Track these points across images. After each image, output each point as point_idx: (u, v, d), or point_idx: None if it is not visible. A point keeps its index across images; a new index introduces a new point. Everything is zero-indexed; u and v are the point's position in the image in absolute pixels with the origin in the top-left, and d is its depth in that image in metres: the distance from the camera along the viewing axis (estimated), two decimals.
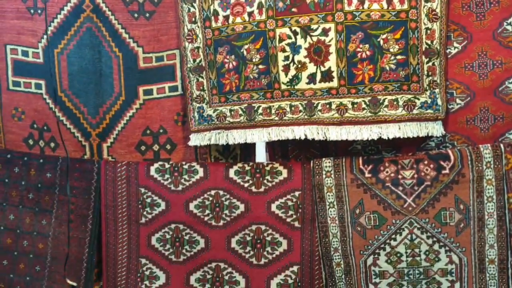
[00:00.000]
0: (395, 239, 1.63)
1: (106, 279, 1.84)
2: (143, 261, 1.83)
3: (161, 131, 1.85)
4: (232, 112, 1.73)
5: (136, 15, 1.76)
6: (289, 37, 1.63)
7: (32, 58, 1.86)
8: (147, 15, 1.76)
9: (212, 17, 1.70)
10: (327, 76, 1.63)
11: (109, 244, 1.84)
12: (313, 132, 1.65)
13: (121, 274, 1.84)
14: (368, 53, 1.58)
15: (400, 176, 1.61)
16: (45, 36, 1.82)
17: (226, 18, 1.68)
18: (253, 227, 1.76)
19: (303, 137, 1.66)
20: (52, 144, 1.92)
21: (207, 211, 1.77)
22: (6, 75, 1.90)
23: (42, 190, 1.86)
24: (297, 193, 1.72)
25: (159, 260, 1.82)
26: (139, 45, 1.79)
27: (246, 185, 1.75)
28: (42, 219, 1.86)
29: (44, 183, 1.86)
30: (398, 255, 1.63)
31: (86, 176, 1.84)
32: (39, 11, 1.81)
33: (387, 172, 1.63)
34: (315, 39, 1.61)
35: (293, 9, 1.61)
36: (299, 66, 1.64)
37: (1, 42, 1.87)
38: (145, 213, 1.81)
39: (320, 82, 1.64)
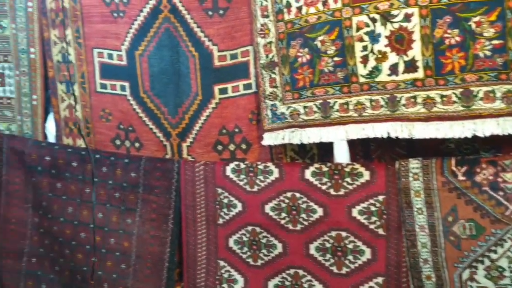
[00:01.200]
0: (495, 252, 1.64)
1: (187, 280, 2.17)
2: (222, 263, 2.11)
3: (236, 130, 2.10)
4: (306, 109, 1.91)
5: (210, 12, 2.04)
6: (367, 25, 1.74)
7: (117, 60, 2.26)
8: (221, 12, 2.03)
9: (285, 9, 1.89)
10: (411, 66, 1.69)
11: (189, 245, 2.16)
12: (397, 130, 1.71)
13: (200, 276, 2.15)
14: (457, 39, 1.61)
15: (500, 179, 1.61)
16: (127, 39, 2.20)
17: (299, 9, 1.86)
18: (333, 233, 1.91)
19: (385, 135, 1.73)
20: (137, 144, 2.31)
21: (284, 214, 1.98)
22: (94, 78, 2.34)
23: (127, 189, 2.26)
24: (380, 198, 1.82)
25: (237, 263, 2.08)
26: (214, 43, 2.06)
27: (324, 187, 1.91)
28: (127, 217, 2.26)
29: (129, 182, 2.25)
30: (500, 269, 1.64)
31: (167, 175, 2.18)
32: (121, 14, 2.19)
33: (484, 174, 1.63)
34: (396, 26, 1.69)
35: None
36: (379, 56, 1.74)
37: (89, 46, 2.31)
38: (222, 214, 2.09)
39: (403, 73, 1.70)
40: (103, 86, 2.30)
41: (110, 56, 2.25)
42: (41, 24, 2.36)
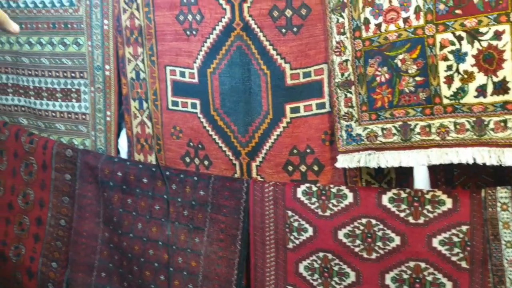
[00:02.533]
0: None
1: None
2: None
3: (308, 150, 2.13)
4: (385, 131, 1.90)
5: (283, 30, 2.09)
6: (452, 44, 1.71)
7: (188, 78, 2.36)
8: (295, 29, 2.07)
9: (363, 26, 1.90)
10: (501, 87, 1.64)
11: (257, 268, 2.21)
12: (484, 156, 1.67)
13: None
14: None
15: None
16: (199, 57, 2.30)
17: (378, 26, 1.86)
18: (411, 264, 1.88)
19: (471, 161, 1.69)
20: (206, 162, 2.39)
21: (358, 241, 1.97)
22: (166, 95, 2.45)
23: (195, 208, 2.34)
24: (464, 228, 1.78)
25: None
26: (286, 61, 2.10)
27: (402, 214, 1.88)
28: (195, 236, 2.34)
29: (198, 201, 2.33)
30: None
31: (236, 195, 2.23)
32: (194, 32, 2.29)
33: None
34: (485, 44, 1.66)
35: (457, 11, 1.68)
36: (465, 76, 1.71)
37: (162, 64, 2.43)
38: (292, 237, 2.11)
39: (492, 95, 1.66)
40: (175, 104, 2.41)
41: (182, 74, 2.35)
42: (116, 42, 2.51)
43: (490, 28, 1.64)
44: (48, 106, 2.76)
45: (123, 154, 2.64)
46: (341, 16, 1.93)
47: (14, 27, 1.27)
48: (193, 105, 2.35)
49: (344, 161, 1.98)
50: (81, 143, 2.72)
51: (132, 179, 2.48)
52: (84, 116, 2.68)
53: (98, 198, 2.61)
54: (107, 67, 2.55)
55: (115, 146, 2.64)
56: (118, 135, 2.64)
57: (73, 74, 2.66)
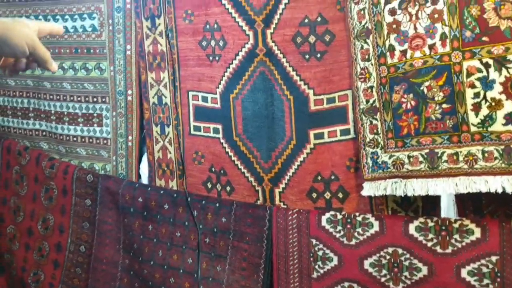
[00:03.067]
0: None
1: None
2: None
3: (332, 177, 2.18)
4: (411, 159, 1.94)
5: (307, 56, 2.16)
6: (480, 71, 1.76)
7: (211, 103, 2.44)
8: (318, 55, 2.13)
9: (388, 53, 1.96)
10: None
11: None
12: None
13: None
14: None
15: None
16: (222, 82, 2.38)
17: (404, 53, 1.92)
18: None
19: (500, 190, 1.71)
20: (228, 188, 2.45)
21: (384, 271, 2.00)
22: (188, 120, 2.53)
23: (217, 235, 2.39)
24: (493, 258, 1.79)
25: None
26: (310, 87, 2.17)
27: (429, 244, 1.90)
28: (217, 264, 2.38)
29: (219, 228, 2.38)
30: None
31: (259, 222, 2.28)
32: (217, 58, 2.37)
33: None
34: None
35: (484, 38, 1.73)
36: (493, 104, 1.74)
37: (184, 89, 2.51)
38: (316, 267, 2.15)
39: None
40: (197, 129, 2.48)
41: (205, 99, 2.43)
42: (139, 67, 2.61)
43: None
44: (70, 131, 2.86)
45: (144, 180, 2.71)
46: (366, 42, 1.99)
47: (54, 65, 1.36)
48: (215, 130, 2.42)
49: (370, 189, 2.02)
50: (102, 168, 2.81)
51: (153, 205, 2.54)
52: (105, 141, 2.77)
53: (119, 224, 2.67)
54: (129, 92, 2.64)
55: (136, 171, 2.72)
56: (139, 160, 2.72)
57: (95, 99, 2.76)
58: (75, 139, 2.87)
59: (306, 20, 2.11)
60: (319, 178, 2.19)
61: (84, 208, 2.78)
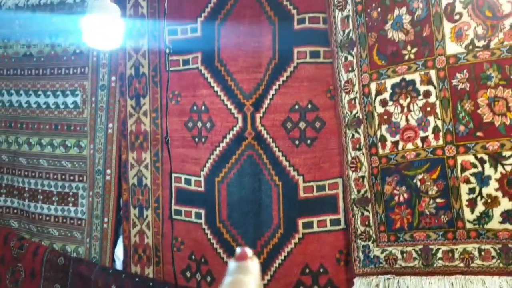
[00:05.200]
0: None
1: None
2: None
3: (321, 270, 2.09)
4: (404, 255, 1.88)
5: (297, 142, 2.13)
6: (475, 166, 1.75)
7: (194, 186, 2.37)
8: (309, 141, 2.11)
9: (379, 143, 1.95)
10: None
11: None
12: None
13: None
14: None
15: None
16: (207, 165, 2.32)
17: (395, 144, 1.91)
18: None
19: None
20: (209, 278, 2.33)
21: None
22: (168, 204, 2.45)
23: None
24: None
25: None
26: (299, 173, 2.13)
27: None
28: None
29: None
30: None
31: None
32: (203, 140, 2.34)
33: None
34: (508, 168, 1.69)
35: (478, 133, 1.74)
36: (489, 201, 1.72)
37: (166, 170, 2.45)
38: None
39: None
40: (178, 213, 2.40)
41: (188, 182, 2.36)
42: (120, 146, 2.56)
43: None
44: (43, 210, 2.75)
45: (119, 265, 2.58)
46: (357, 131, 1.98)
47: None
48: (198, 215, 2.34)
49: (361, 285, 1.95)
50: (75, 251, 2.67)
51: None
52: (80, 222, 2.66)
53: None
54: (108, 171, 2.57)
55: (110, 256, 2.59)
56: (114, 244, 2.60)
57: (72, 177, 2.67)
58: (48, 218, 2.75)
59: (297, 106, 2.11)
60: (307, 270, 2.11)
61: None
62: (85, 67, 2.62)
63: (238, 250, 0.74)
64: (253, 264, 0.74)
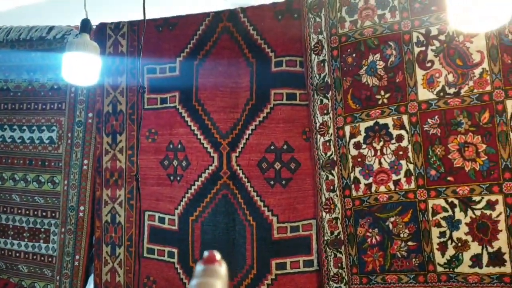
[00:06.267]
0: None
1: None
2: None
3: None
4: None
5: (272, 182, 2.12)
6: (445, 210, 1.75)
7: (168, 225, 2.32)
8: (284, 182, 2.10)
9: (353, 185, 1.94)
10: (496, 259, 1.66)
11: None
12: None
13: None
14: None
15: None
16: (182, 203, 2.28)
17: (369, 186, 1.91)
18: None
19: None
20: None
21: None
22: (142, 242, 2.39)
23: None
24: None
25: None
26: (274, 213, 2.10)
27: None
28: None
29: None
30: None
31: None
32: (178, 178, 2.30)
33: None
34: (478, 213, 1.70)
35: (449, 178, 1.75)
36: (460, 245, 1.73)
37: (140, 208, 2.40)
38: None
39: (487, 266, 1.67)
40: (150, 251, 2.34)
41: (162, 220, 2.31)
42: (94, 182, 2.50)
43: (483, 197, 1.69)
44: (13, 246, 2.65)
45: None
46: (331, 173, 1.98)
47: None
48: (171, 254, 2.29)
49: None
50: None
51: None
52: (50, 259, 2.56)
53: None
54: (81, 208, 2.50)
55: None
56: (85, 282, 2.51)
57: (44, 213, 2.59)
58: (18, 254, 2.65)
59: (272, 147, 2.10)
60: None
61: None
62: (63, 103, 2.58)
63: (205, 253, 0.71)
64: (221, 268, 0.71)
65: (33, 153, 2.63)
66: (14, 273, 2.64)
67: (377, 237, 1.87)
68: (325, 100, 1.99)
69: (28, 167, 2.63)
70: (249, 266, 2.12)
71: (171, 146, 2.31)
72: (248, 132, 2.15)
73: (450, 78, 1.73)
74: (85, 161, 2.50)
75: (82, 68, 2.02)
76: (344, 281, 1.93)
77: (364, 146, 1.91)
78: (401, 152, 1.83)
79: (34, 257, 2.59)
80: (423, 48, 1.78)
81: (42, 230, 2.58)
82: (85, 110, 2.52)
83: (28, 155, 2.64)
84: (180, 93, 2.28)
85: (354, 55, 1.93)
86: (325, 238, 1.98)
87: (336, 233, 1.96)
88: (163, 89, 2.32)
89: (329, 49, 1.98)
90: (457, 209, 1.73)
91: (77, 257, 2.48)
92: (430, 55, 1.76)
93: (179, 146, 2.28)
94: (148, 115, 2.35)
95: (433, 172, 1.77)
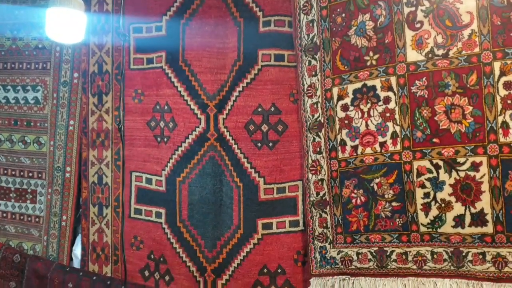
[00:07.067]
0: None
1: None
2: None
3: (279, 271, 2.04)
4: (360, 256, 1.85)
5: (259, 144, 2.08)
6: (430, 171, 1.73)
7: (155, 186, 2.29)
8: (271, 144, 2.06)
9: (339, 147, 1.92)
10: (479, 219, 1.66)
11: None
12: None
13: None
14: None
15: None
16: (169, 164, 2.24)
17: (355, 148, 1.88)
18: None
19: None
20: (167, 278, 2.24)
21: None
22: (129, 203, 2.35)
23: None
24: None
25: None
26: (260, 175, 2.07)
27: None
28: None
29: None
30: None
31: None
32: (165, 139, 2.25)
33: None
34: (462, 174, 1.68)
35: (435, 140, 1.73)
36: (443, 205, 1.72)
37: (127, 169, 2.34)
38: None
39: (470, 226, 1.67)
40: (138, 212, 2.31)
41: (149, 181, 2.28)
42: (80, 143, 2.44)
43: (467, 159, 1.67)
44: (0, 206, 2.60)
45: (76, 263, 2.47)
46: (318, 135, 1.95)
47: None
48: (158, 215, 2.26)
49: (317, 285, 1.92)
50: (32, 248, 2.54)
51: None
52: (37, 219, 2.53)
53: None
54: (68, 168, 2.45)
55: (68, 254, 2.47)
56: (72, 242, 2.48)
57: (30, 174, 2.54)
58: (4, 215, 2.61)
59: (260, 109, 2.06)
60: (265, 270, 2.05)
61: None
62: (47, 63, 2.50)
63: None
64: None
65: (18, 114, 2.56)
66: (2, 233, 2.61)
67: (362, 198, 1.86)
68: (313, 62, 1.95)
69: (13, 128, 2.56)
70: (236, 226, 2.11)
71: (157, 107, 2.25)
72: (236, 94, 2.10)
73: (439, 39, 1.69)
74: (71, 122, 2.45)
75: (66, 25, 1.94)
76: (329, 240, 1.92)
77: (351, 108, 1.88)
78: (388, 114, 1.80)
79: (21, 217, 2.55)
80: (413, 9, 1.73)
81: (29, 190, 2.53)
82: (71, 70, 2.44)
83: (13, 115, 2.57)
84: (166, 53, 2.21)
85: (343, 15, 1.87)
86: (311, 199, 1.97)
87: (321, 194, 1.94)
88: (150, 49, 2.25)
89: (319, 9, 1.92)
90: (441, 171, 1.71)
91: (64, 217, 2.45)
92: (420, 16, 1.71)
93: (166, 107, 2.23)
94: (134, 76, 2.29)
95: (419, 134, 1.75)
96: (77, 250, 2.46)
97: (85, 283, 2.31)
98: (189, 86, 2.16)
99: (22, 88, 2.56)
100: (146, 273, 2.29)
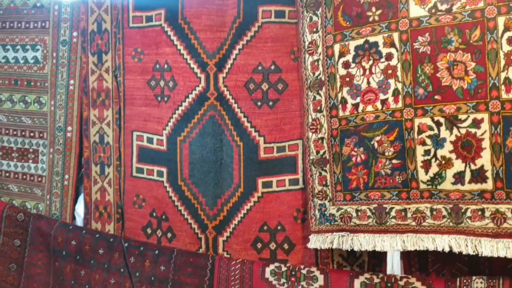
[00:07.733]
0: None
1: None
2: None
3: (279, 228, 2.03)
4: (359, 213, 1.83)
5: (259, 103, 2.03)
6: (431, 129, 1.69)
7: (156, 145, 2.25)
8: (271, 103, 2.02)
9: (340, 105, 1.87)
10: (479, 176, 1.62)
11: None
12: (460, 244, 1.62)
13: None
14: None
15: None
16: (169, 124, 2.20)
17: (356, 106, 1.83)
18: None
19: (447, 249, 1.64)
20: (169, 235, 2.24)
21: None
22: (130, 162, 2.32)
23: (155, 284, 2.16)
24: None
25: None
26: (260, 134, 2.04)
27: None
28: None
29: (157, 276, 2.15)
30: None
31: (200, 272, 2.07)
32: (166, 99, 2.21)
33: None
34: (463, 131, 1.64)
35: (436, 97, 1.67)
36: (443, 162, 1.68)
37: (128, 128, 2.31)
38: None
39: (469, 182, 1.63)
40: (139, 171, 2.28)
41: (150, 140, 2.24)
42: (81, 103, 2.40)
43: (469, 116, 1.63)
44: (2, 166, 2.58)
45: (79, 222, 2.46)
46: (318, 93, 1.90)
47: None
48: (160, 173, 2.23)
49: (316, 242, 1.90)
50: (35, 207, 2.53)
51: (87, 249, 2.30)
52: (40, 179, 2.51)
53: (49, 268, 2.40)
54: (69, 128, 2.42)
55: (71, 213, 2.47)
56: (75, 201, 2.47)
57: (32, 134, 2.51)
58: (7, 174, 2.59)
59: (260, 67, 2.00)
60: (265, 228, 2.04)
61: (13, 249, 2.49)
62: (46, 21, 2.43)
63: None
64: None
65: (18, 73, 2.51)
66: (5, 193, 2.59)
67: (362, 155, 1.82)
68: (314, 18, 1.88)
69: (14, 87, 2.52)
70: (236, 184, 2.09)
71: (157, 66, 2.20)
72: (235, 52, 2.04)
73: None
74: (71, 81, 2.40)
75: None
76: (328, 198, 1.90)
77: (353, 65, 1.82)
78: (390, 71, 1.74)
79: (24, 176, 2.53)
80: None
81: (31, 150, 2.51)
82: (70, 29, 2.38)
83: (13, 75, 2.52)
84: (165, 10, 2.14)
85: None
86: (311, 157, 1.93)
87: (321, 152, 1.91)
88: (148, 6, 2.18)
89: None
90: (442, 128, 1.67)
91: (66, 176, 2.43)
92: None
93: (166, 66, 2.17)
94: (133, 34, 2.23)
95: (421, 91, 1.70)
96: (80, 209, 2.45)
97: (88, 240, 2.30)
98: (189, 44, 2.10)
99: (21, 48, 2.49)
100: (149, 231, 2.28)
